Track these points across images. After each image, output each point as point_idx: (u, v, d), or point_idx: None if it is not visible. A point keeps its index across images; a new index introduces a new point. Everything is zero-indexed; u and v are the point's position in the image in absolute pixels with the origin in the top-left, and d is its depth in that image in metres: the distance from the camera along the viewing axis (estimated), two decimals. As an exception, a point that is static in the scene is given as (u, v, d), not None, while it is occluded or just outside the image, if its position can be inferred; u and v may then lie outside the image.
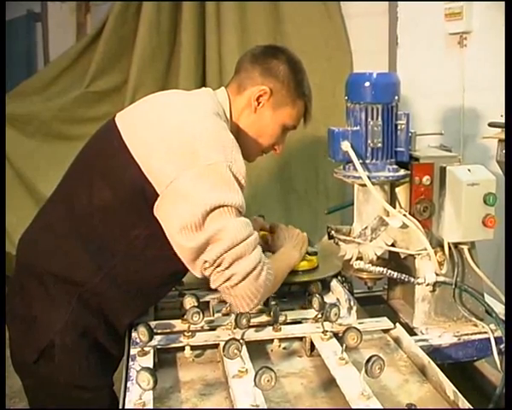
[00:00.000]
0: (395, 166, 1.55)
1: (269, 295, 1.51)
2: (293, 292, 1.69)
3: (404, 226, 1.52)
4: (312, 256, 1.73)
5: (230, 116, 1.61)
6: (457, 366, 1.51)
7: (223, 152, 1.38)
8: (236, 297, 1.40)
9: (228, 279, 1.37)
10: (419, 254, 1.57)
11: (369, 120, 1.52)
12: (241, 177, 1.41)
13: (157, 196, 1.39)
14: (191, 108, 1.49)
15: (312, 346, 1.40)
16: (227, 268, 1.36)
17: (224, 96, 1.62)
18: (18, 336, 1.53)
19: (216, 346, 1.39)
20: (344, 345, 1.26)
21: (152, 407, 1.12)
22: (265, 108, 1.61)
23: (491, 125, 2.03)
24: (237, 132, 1.60)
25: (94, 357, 1.50)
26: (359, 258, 1.58)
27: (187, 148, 1.38)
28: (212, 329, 1.46)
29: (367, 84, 1.52)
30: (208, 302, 1.62)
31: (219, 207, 1.35)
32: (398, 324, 1.48)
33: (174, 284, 1.65)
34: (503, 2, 1.74)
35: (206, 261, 1.36)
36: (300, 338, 1.44)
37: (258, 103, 1.60)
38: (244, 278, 1.37)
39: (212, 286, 1.41)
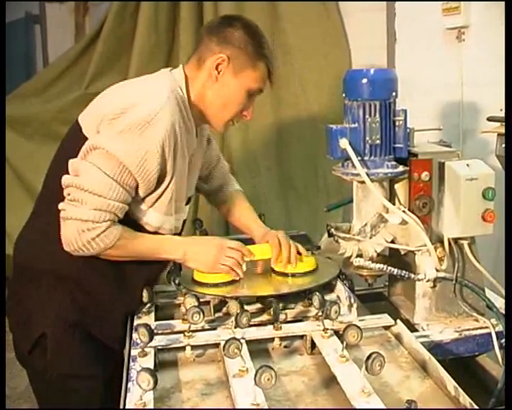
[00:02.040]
0: (394, 163, 1.55)
1: (113, 258, 1.53)
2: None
3: (404, 223, 1.52)
4: (308, 257, 1.71)
5: (188, 92, 1.62)
6: (459, 361, 1.51)
7: (145, 112, 1.45)
8: (62, 231, 1.47)
9: (62, 209, 1.47)
10: (419, 251, 1.57)
11: (367, 116, 1.52)
12: (153, 142, 1.45)
13: None
14: (139, 84, 1.63)
15: (313, 344, 1.39)
16: (68, 201, 1.46)
17: (180, 73, 1.64)
18: (16, 330, 1.65)
19: (216, 345, 1.39)
20: (344, 343, 1.26)
21: (153, 407, 1.12)
22: (226, 75, 1.61)
23: (490, 119, 2.02)
24: (204, 105, 1.63)
25: (86, 347, 1.57)
26: (359, 255, 1.58)
27: (120, 107, 1.48)
28: (213, 328, 1.46)
29: (364, 80, 1.52)
30: (209, 302, 1.61)
31: (104, 150, 1.44)
32: (398, 320, 1.47)
33: (152, 262, 1.65)
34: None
35: (63, 183, 1.47)
36: (301, 336, 1.44)
37: (218, 72, 1.60)
38: (69, 219, 1.44)
39: (59, 207, 1.49)
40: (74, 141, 1.54)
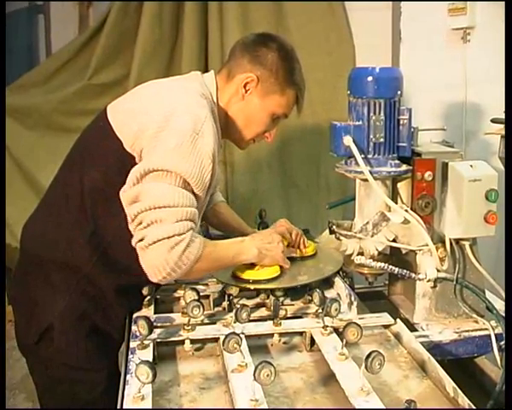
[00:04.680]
0: (397, 162, 1.55)
1: (193, 277, 1.51)
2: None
3: (406, 222, 1.52)
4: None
5: (217, 100, 1.61)
6: (458, 362, 1.51)
7: (192, 122, 1.41)
8: (146, 262, 1.38)
9: (142, 239, 1.36)
10: (420, 250, 1.56)
11: (372, 114, 1.52)
12: (205, 152, 1.41)
13: None
14: (181, 89, 1.55)
15: (312, 341, 1.39)
16: (145, 228, 1.36)
17: (212, 79, 1.62)
18: (21, 320, 1.62)
19: (216, 340, 1.39)
20: (344, 340, 1.26)
21: (151, 400, 1.11)
22: (253, 95, 1.60)
23: (493, 121, 2.02)
24: (226, 119, 1.62)
25: (92, 340, 1.56)
26: (360, 253, 1.58)
27: (163, 116, 1.42)
28: (212, 323, 1.46)
29: (370, 78, 1.52)
30: (208, 296, 1.61)
31: (162, 170, 1.37)
32: (398, 319, 1.47)
33: None
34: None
35: (129, 215, 1.38)
36: (300, 333, 1.43)
37: (246, 91, 1.60)
38: (155, 243, 1.34)
39: (133, 243, 1.40)
40: (102, 137, 1.52)
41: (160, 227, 1.35)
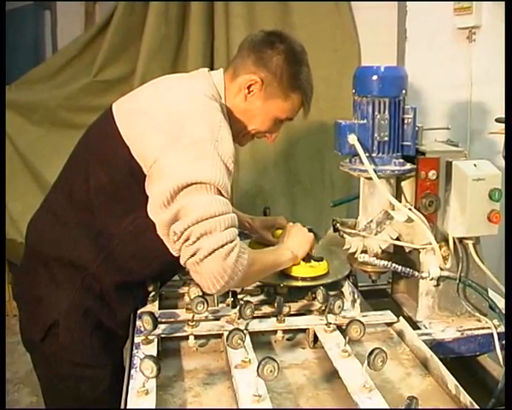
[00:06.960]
0: (401, 160, 1.55)
1: (243, 285, 1.52)
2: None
3: (410, 220, 1.52)
4: (316, 262, 1.64)
5: (225, 100, 1.59)
6: (460, 360, 1.52)
7: (209, 130, 1.38)
8: (202, 275, 1.35)
9: (194, 254, 1.33)
10: (424, 249, 1.57)
11: (376, 113, 1.52)
12: (227, 157, 1.39)
13: (145, 177, 1.41)
14: (183, 89, 1.52)
15: (316, 338, 1.40)
16: (194, 242, 1.33)
17: (220, 78, 1.59)
18: (26, 316, 1.62)
19: (220, 336, 1.40)
20: (347, 337, 1.26)
21: (155, 395, 1.12)
22: (256, 97, 1.57)
23: (498, 120, 2.02)
24: (229, 116, 1.58)
25: (97, 337, 1.55)
26: (364, 251, 1.58)
27: (173, 125, 1.40)
28: (216, 319, 1.46)
29: (374, 77, 1.52)
30: (213, 292, 1.62)
31: (196, 183, 1.34)
32: (401, 317, 1.48)
33: (173, 271, 1.67)
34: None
35: (175, 234, 1.34)
36: (304, 330, 1.44)
37: (249, 92, 1.57)
38: (210, 254, 1.32)
39: (182, 262, 1.38)
40: (108, 139, 1.49)
41: (210, 238, 1.33)
